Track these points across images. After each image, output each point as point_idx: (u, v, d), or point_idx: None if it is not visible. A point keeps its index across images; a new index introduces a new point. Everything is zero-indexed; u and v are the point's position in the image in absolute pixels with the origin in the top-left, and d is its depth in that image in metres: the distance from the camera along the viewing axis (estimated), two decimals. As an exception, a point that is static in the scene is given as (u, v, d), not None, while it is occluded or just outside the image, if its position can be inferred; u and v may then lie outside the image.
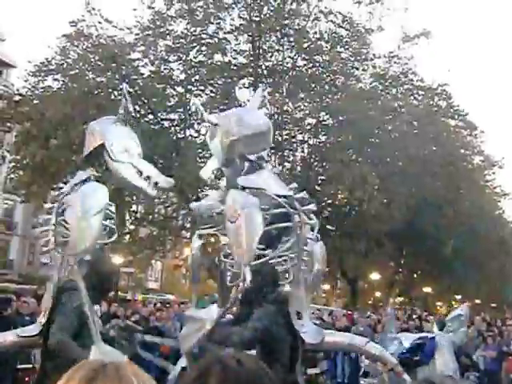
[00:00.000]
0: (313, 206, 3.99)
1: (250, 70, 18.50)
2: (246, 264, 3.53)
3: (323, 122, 19.56)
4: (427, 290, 30.65)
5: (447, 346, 4.99)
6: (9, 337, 3.93)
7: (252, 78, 18.61)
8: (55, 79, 17.90)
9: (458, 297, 34.62)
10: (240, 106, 5.18)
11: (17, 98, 18.36)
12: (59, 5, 54.23)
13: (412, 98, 20.39)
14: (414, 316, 15.39)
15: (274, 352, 3.62)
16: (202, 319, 3.68)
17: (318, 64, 18.92)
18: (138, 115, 17.87)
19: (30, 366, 7.51)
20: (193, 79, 18.09)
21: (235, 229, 3.54)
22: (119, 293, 21.19)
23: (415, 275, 28.99)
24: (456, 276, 24.45)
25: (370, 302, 32.99)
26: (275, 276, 3.98)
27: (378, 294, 32.09)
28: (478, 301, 34.30)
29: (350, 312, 16.33)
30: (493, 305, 34.60)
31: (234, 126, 3.83)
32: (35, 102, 17.65)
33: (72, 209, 3.51)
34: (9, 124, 18.09)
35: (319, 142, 19.88)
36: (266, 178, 3.93)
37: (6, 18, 71.76)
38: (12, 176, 19.31)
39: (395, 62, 20.03)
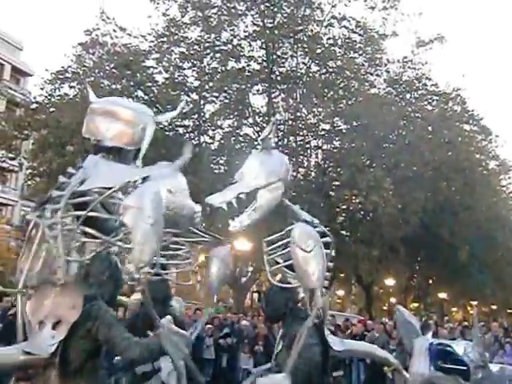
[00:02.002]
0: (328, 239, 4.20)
1: (264, 77, 18.56)
2: (318, 289, 3.82)
3: (337, 128, 19.55)
4: (442, 295, 30.36)
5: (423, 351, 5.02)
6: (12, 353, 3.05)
7: (266, 84, 18.69)
8: (71, 87, 18.15)
9: (474, 302, 34.27)
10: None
11: (34, 105, 18.63)
12: (75, 14, 55.06)
13: (426, 103, 20.31)
14: (430, 322, 15.26)
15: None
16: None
17: (331, 70, 18.94)
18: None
19: None
20: (207, 86, 18.21)
21: (308, 257, 3.80)
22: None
23: (430, 281, 28.75)
24: (472, 281, 24.20)
25: (384, 307, 32.75)
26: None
27: (392, 299, 31.85)
28: (494, 306, 33.90)
29: (363, 318, 16.23)
30: (509, 310, 34.16)
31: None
32: (52, 109, 17.90)
33: (137, 213, 3.12)
34: (26, 131, 18.32)
35: (333, 148, 19.86)
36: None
37: (23, 28, 72.91)
38: (29, 183, 19.54)
39: (409, 67, 20.00)
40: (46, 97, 18.13)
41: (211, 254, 4.80)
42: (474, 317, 5.11)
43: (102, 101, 4.01)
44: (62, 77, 17.87)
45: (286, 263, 4.11)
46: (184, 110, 18.36)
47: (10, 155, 19.44)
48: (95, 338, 3.19)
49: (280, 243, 4.14)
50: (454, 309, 37.59)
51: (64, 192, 3.42)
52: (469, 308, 36.12)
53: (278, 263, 4.21)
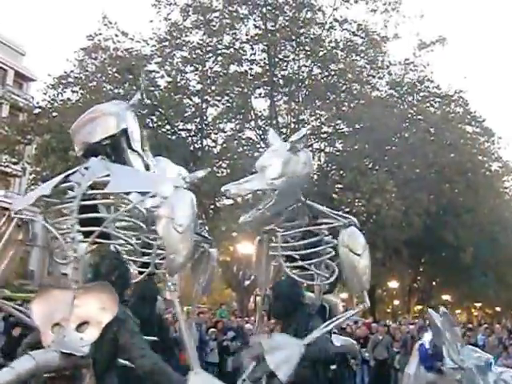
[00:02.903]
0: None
1: (266, 80, 18.60)
2: (366, 290, 4.00)
3: (340, 131, 19.55)
4: (446, 297, 30.30)
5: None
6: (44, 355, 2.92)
7: (268, 88, 18.72)
8: (74, 91, 18.21)
9: (478, 304, 34.17)
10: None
11: (37, 110, 18.69)
12: (77, 19, 55.22)
13: (428, 105, 20.30)
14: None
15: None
16: (289, 343, 3.62)
17: (333, 72, 18.95)
18: (155, 126, 18.07)
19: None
20: (209, 89, 18.24)
21: (360, 259, 3.93)
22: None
23: (434, 283, 28.70)
24: (475, 283, 24.16)
25: (388, 310, 32.69)
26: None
27: (396, 302, 31.79)
28: (498, 308, 33.80)
29: (367, 321, 16.18)
30: (513, 312, 34.05)
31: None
32: (54, 114, 17.94)
33: (169, 222, 3.17)
34: (29, 136, 18.38)
35: (336, 151, 19.86)
36: None
37: (26, 33, 73.20)
38: (32, 188, 19.57)
39: (411, 70, 20.00)
40: (49, 102, 18.19)
41: (200, 255, 4.78)
42: (441, 319, 4.94)
43: (78, 118, 4.19)
44: (64, 82, 17.94)
45: (316, 260, 4.16)
46: (186, 114, 18.42)
47: (14, 160, 19.51)
48: (116, 342, 3.16)
49: (305, 242, 4.13)
50: (458, 311, 37.47)
51: (74, 193, 3.42)
52: (473, 310, 36.05)
53: (294, 259, 4.18)
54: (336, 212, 4.17)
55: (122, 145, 3.88)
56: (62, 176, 3.56)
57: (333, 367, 4.53)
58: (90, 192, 3.44)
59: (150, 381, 3.16)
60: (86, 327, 3.08)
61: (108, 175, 3.46)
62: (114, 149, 3.86)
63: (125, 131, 3.94)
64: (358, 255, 3.87)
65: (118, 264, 3.47)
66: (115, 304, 3.12)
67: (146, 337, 3.93)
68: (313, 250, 4.14)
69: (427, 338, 4.92)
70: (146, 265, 3.97)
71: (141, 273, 4.06)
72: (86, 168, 3.54)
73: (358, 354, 8.20)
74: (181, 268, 3.25)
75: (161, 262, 3.99)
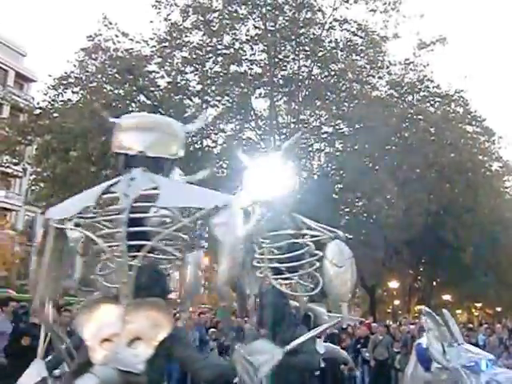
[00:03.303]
0: None
1: (266, 80, 18.61)
2: (346, 302, 4.05)
3: (340, 131, 19.56)
4: (447, 297, 30.30)
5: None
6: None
7: (268, 88, 18.73)
8: (74, 92, 18.23)
9: (479, 304, 34.18)
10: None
11: (37, 111, 18.71)
12: (77, 20, 55.31)
13: (428, 104, 20.29)
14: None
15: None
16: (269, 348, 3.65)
17: (333, 72, 18.96)
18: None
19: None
20: (209, 90, 18.26)
21: (341, 272, 3.99)
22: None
23: (434, 283, 28.70)
24: (476, 284, 24.16)
25: (388, 310, 32.70)
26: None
27: (396, 302, 31.80)
28: (499, 308, 33.80)
29: (367, 321, 16.18)
30: (514, 312, 34.05)
31: None
32: (55, 115, 17.98)
33: (227, 230, 3.18)
34: (30, 137, 18.41)
35: (336, 151, 19.87)
36: None
37: (26, 34, 73.27)
38: (33, 188, 19.61)
39: (411, 69, 19.99)
40: (50, 102, 18.21)
41: (186, 258, 4.80)
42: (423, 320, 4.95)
43: (131, 116, 4.02)
44: (65, 82, 17.96)
45: (301, 273, 4.24)
46: (186, 114, 18.43)
47: (14, 160, 19.53)
48: (171, 356, 3.17)
49: (291, 254, 4.18)
50: (459, 311, 37.47)
51: (123, 205, 3.27)
52: (473, 310, 36.05)
53: (279, 270, 4.24)
54: (321, 225, 4.22)
55: (166, 167, 3.71)
56: (105, 186, 3.41)
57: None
58: (136, 204, 3.31)
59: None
60: (139, 343, 3.03)
61: (155, 188, 3.34)
62: (157, 166, 3.64)
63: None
64: (340, 267, 3.94)
65: (158, 277, 3.44)
66: (168, 320, 3.09)
67: None
68: (298, 262, 4.22)
69: (425, 337, 4.93)
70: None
71: None
72: (132, 179, 3.37)
73: (347, 359, 8.23)
74: (234, 277, 3.28)
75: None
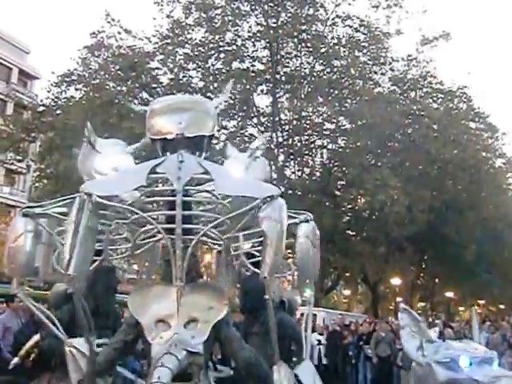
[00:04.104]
0: None
1: (268, 77, 18.59)
2: (314, 279, 4.06)
3: (342, 127, 19.53)
4: (449, 294, 30.26)
5: None
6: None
7: (270, 85, 18.71)
8: (77, 89, 18.27)
9: (482, 302, 34.11)
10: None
11: (41, 108, 18.77)
12: (80, 17, 55.32)
13: (431, 101, 20.24)
14: (437, 321, 15.21)
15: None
16: None
17: (336, 69, 18.92)
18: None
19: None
20: (211, 87, 18.26)
21: (315, 252, 3.96)
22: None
23: (437, 280, 28.66)
24: (479, 281, 24.11)
25: (391, 307, 32.68)
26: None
27: (399, 299, 31.79)
28: (502, 306, 33.74)
29: (369, 319, 16.17)
30: (518, 309, 33.99)
31: None
32: (58, 112, 18.02)
33: (275, 225, 3.15)
34: (33, 134, 18.47)
35: (338, 147, 19.85)
36: None
37: (30, 32, 73.35)
38: (37, 185, 19.67)
39: (414, 65, 19.95)
40: (53, 99, 18.27)
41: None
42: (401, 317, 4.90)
43: (162, 100, 3.98)
44: (68, 79, 18.01)
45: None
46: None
47: (18, 157, 19.60)
48: (217, 337, 3.24)
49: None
50: (461, 308, 37.43)
51: (174, 186, 3.23)
52: (476, 307, 35.97)
53: (253, 255, 4.21)
54: (293, 210, 4.15)
55: (203, 146, 3.66)
56: (150, 165, 3.32)
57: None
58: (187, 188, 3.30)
59: (246, 371, 3.25)
60: (195, 325, 3.11)
61: (204, 173, 3.31)
62: (198, 146, 3.61)
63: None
64: (314, 247, 3.91)
65: (195, 260, 3.48)
66: (222, 302, 3.16)
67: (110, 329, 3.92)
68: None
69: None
70: (99, 252, 3.79)
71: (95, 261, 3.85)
72: (181, 161, 3.28)
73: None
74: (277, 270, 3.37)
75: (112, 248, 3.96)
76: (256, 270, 4.06)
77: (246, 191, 3.33)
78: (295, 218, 3.96)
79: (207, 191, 3.51)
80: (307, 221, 3.96)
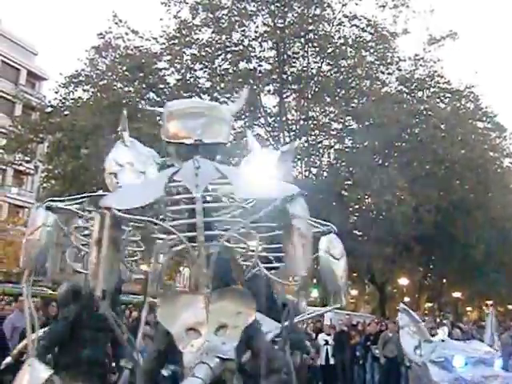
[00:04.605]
0: None
1: (275, 77, 18.60)
2: (343, 290, 4.08)
3: (349, 127, 19.51)
4: (457, 295, 30.13)
5: None
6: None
7: (277, 85, 18.72)
8: (85, 90, 18.37)
9: (490, 302, 33.94)
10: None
11: (49, 109, 18.88)
12: (88, 18, 55.59)
13: (439, 100, 20.17)
14: (445, 321, 15.16)
15: None
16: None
17: (343, 69, 18.90)
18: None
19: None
20: (218, 87, 18.29)
21: (337, 263, 4.00)
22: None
23: (445, 280, 28.54)
24: (487, 281, 23.99)
25: (398, 307, 32.62)
26: None
27: (406, 299, 31.69)
28: (510, 306, 33.55)
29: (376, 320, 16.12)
30: (526, 310, 33.81)
31: None
32: (66, 112, 18.13)
33: (303, 222, 3.19)
34: (41, 135, 18.59)
35: (345, 147, 19.83)
36: None
37: (37, 33, 73.76)
38: (45, 185, 19.79)
39: (421, 65, 19.89)
40: (61, 100, 18.38)
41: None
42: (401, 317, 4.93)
43: (179, 103, 3.93)
44: (75, 80, 18.11)
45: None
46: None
47: (26, 158, 19.72)
48: (248, 344, 3.26)
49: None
50: (469, 308, 37.26)
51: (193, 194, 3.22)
52: (484, 308, 35.81)
53: (268, 260, 4.22)
54: (315, 219, 4.14)
55: (216, 153, 3.65)
56: (168, 174, 3.33)
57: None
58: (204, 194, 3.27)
59: (277, 377, 3.23)
60: (225, 331, 3.11)
61: (222, 177, 3.29)
62: (211, 153, 3.58)
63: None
64: (337, 259, 3.95)
65: (227, 265, 3.51)
66: (251, 308, 3.16)
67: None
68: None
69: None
70: None
71: None
72: (197, 167, 3.26)
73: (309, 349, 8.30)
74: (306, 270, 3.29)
75: None
76: (267, 273, 4.10)
77: (266, 193, 3.30)
78: (317, 227, 3.96)
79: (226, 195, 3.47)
80: (327, 233, 3.99)
